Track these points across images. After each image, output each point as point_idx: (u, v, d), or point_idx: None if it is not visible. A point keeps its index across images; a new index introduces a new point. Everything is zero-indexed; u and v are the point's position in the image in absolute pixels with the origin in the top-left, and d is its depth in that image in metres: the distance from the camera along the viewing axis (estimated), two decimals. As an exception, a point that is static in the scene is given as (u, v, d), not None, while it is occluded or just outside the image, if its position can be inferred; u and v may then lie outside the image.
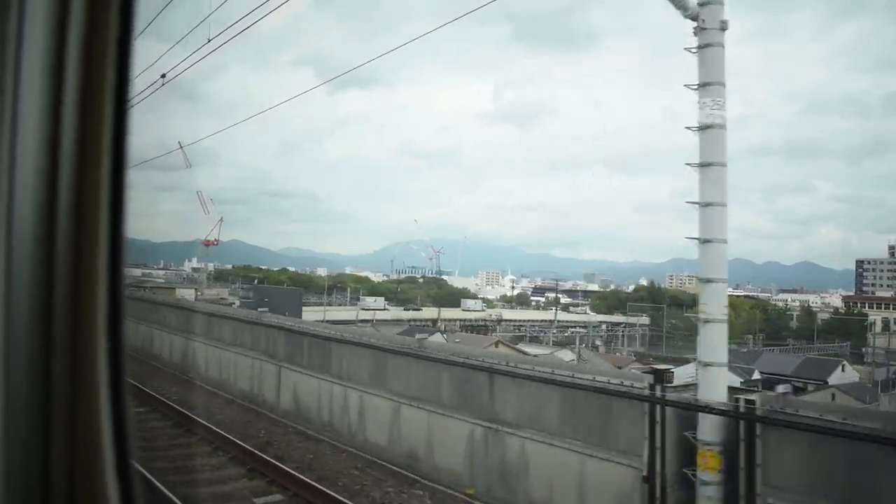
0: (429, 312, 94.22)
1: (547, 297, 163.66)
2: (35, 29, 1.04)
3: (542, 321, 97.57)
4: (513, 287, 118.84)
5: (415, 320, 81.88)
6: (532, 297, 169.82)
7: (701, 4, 8.95)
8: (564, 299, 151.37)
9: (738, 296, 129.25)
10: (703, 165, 8.91)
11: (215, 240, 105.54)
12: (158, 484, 9.73)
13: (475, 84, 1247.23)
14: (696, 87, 8.93)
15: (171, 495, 9.55)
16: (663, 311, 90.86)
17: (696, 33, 8.98)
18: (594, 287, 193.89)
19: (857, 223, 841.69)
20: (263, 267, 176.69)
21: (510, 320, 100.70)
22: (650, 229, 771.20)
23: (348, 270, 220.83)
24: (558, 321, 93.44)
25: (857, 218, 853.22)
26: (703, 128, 8.90)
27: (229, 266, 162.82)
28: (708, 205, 8.86)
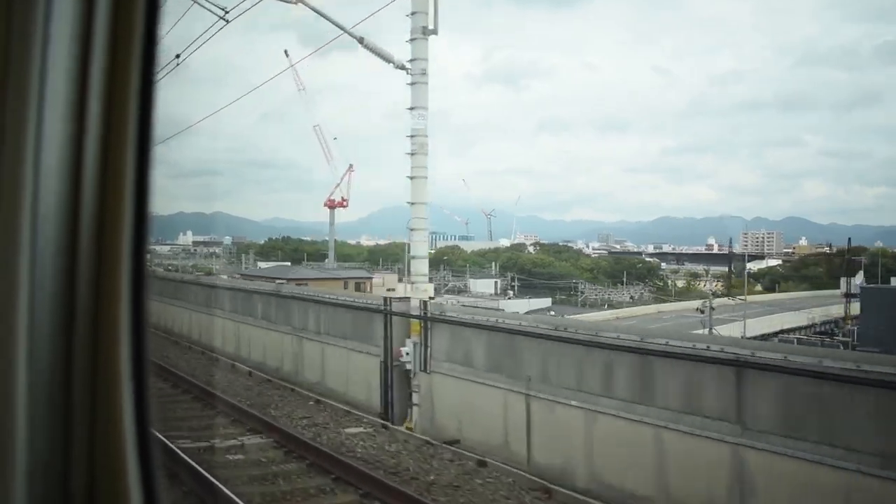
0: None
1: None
2: (61, 21, 1.05)
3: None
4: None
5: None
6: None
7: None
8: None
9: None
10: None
11: (343, 199, 72.58)
12: None
13: (464, 45, 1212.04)
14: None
15: None
16: None
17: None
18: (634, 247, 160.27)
19: (844, 176, 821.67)
20: (307, 238, 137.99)
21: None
22: (638, 189, 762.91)
23: (364, 240, 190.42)
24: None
25: (845, 171, 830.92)
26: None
27: (260, 241, 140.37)
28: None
